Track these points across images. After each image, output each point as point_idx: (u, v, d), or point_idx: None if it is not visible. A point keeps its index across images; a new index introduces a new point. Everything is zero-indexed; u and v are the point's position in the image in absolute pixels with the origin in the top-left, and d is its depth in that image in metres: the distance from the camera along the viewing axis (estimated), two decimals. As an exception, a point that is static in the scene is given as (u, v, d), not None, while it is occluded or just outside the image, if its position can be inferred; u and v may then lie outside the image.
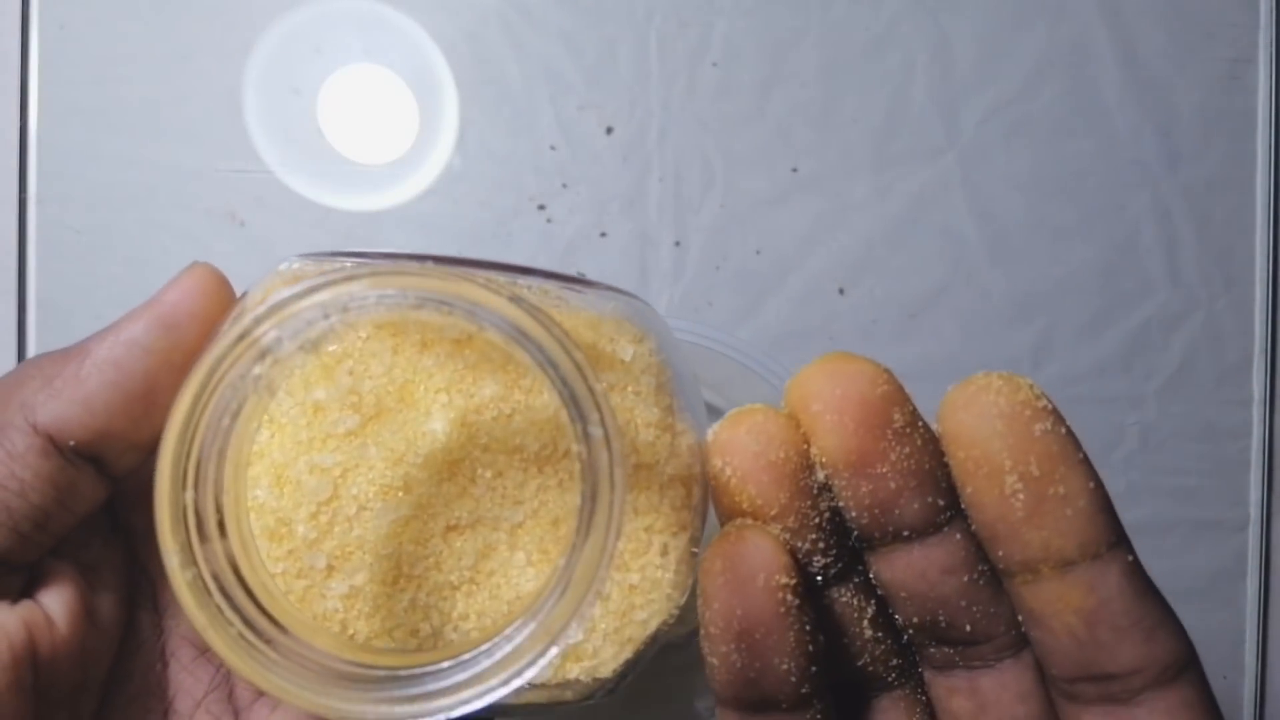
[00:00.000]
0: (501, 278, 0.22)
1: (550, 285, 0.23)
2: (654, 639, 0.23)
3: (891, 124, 0.49)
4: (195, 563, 0.19)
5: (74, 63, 0.47)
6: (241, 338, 0.19)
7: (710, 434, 0.24)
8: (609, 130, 0.48)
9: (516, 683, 0.19)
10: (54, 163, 0.47)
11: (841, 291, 0.49)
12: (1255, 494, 0.50)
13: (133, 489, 0.24)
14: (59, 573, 0.23)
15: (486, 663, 0.19)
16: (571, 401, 0.19)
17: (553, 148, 0.48)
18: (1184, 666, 0.22)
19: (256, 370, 0.19)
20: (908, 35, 0.49)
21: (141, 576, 0.25)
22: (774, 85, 0.49)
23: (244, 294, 0.24)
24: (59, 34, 0.47)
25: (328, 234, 0.47)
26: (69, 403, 0.22)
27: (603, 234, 0.48)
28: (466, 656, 0.20)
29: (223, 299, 0.24)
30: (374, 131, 0.48)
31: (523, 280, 0.22)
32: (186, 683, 0.25)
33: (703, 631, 0.22)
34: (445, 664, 0.19)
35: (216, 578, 0.19)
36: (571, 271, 0.48)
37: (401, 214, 0.48)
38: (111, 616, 0.24)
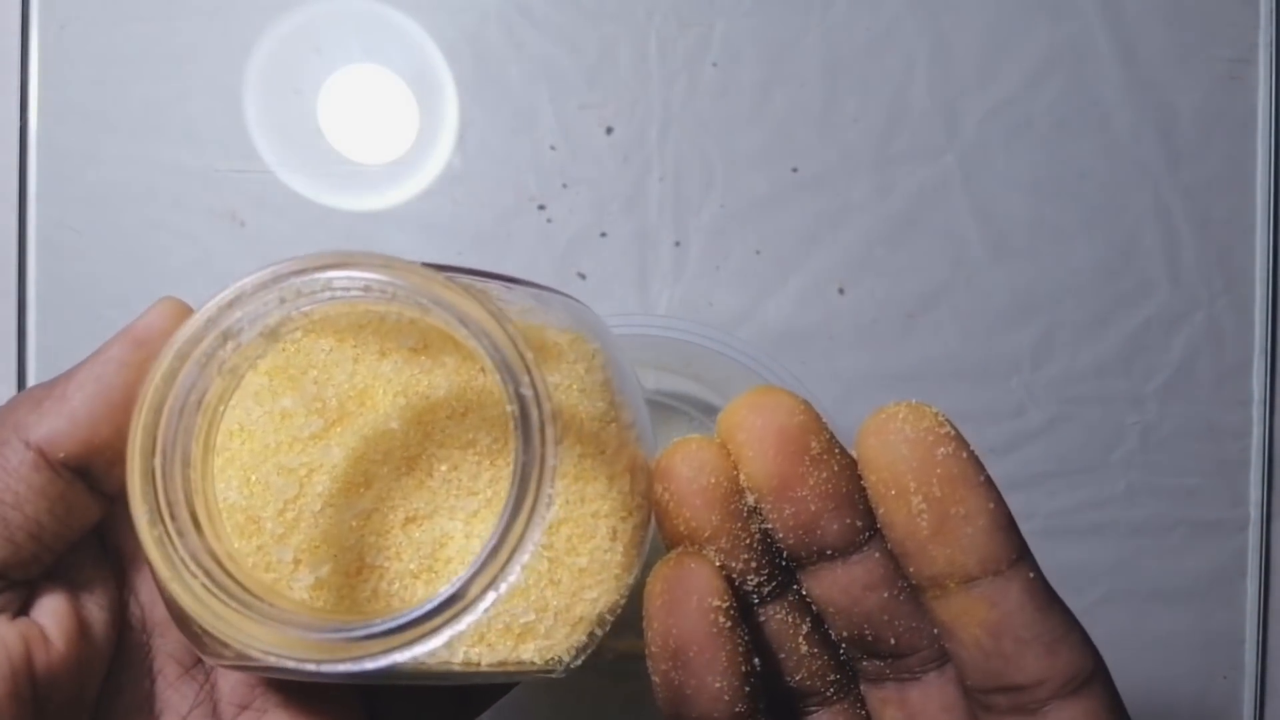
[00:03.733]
0: (406, 265, 0.23)
1: (491, 285, 0.24)
2: (604, 619, 0.24)
3: (891, 124, 0.49)
4: (162, 521, 0.20)
5: (74, 63, 0.47)
6: (207, 323, 0.21)
7: (653, 463, 0.25)
8: (609, 130, 0.48)
9: (463, 622, 0.20)
10: (54, 163, 0.47)
11: (841, 291, 0.49)
12: (1255, 494, 0.50)
13: (121, 512, 0.25)
14: (53, 592, 0.24)
15: (432, 610, 0.20)
16: (504, 366, 0.21)
17: (553, 148, 0.48)
18: (1089, 678, 0.23)
19: (221, 353, 0.21)
20: (908, 35, 0.49)
21: (131, 598, 0.26)
22: (774, 85, 0.49)
23: None
24: (59, 34, 0.47)
25: (328, 234, 0.47)
26: (55, 417, 0.24)
27: (603, 234, 0.48)
28: (424, 604, 0.21)
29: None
30: (374, 131, 0.48)
31: (463, 279, 0.23)
32: (173, 699, 0.26)
33: (647, 651, 0.24)
34: (400, 614, 0.20)
35: (188, 547, 0.20)
36: (572, 272, 0.48)
37: (401, 214, 0.48)
38: (103, 635, 0.25)
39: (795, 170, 0.49)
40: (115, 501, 0.25)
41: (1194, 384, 0.50)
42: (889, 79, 0.49)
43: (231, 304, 0.21)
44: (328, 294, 0.21)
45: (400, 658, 0.20)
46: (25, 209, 0.47)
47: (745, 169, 0.48)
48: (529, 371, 0.21)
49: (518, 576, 0.21)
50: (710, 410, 0.46)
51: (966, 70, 0.49)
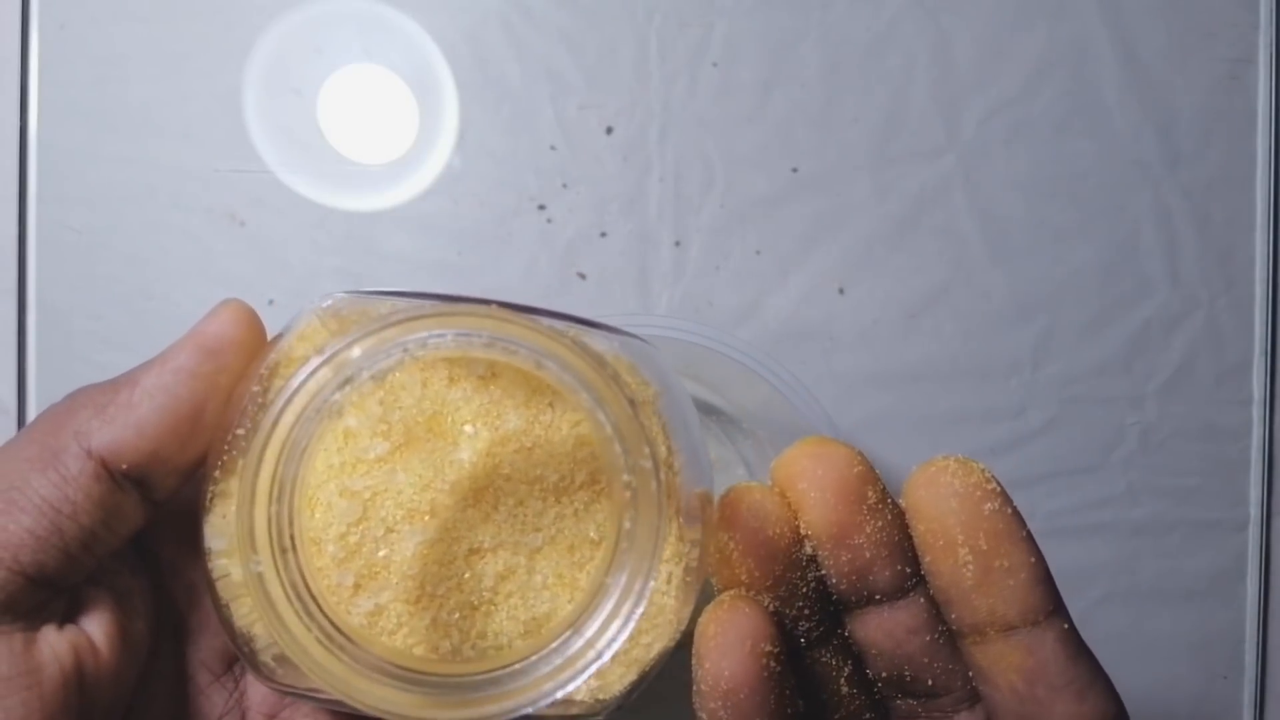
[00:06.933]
0: (526, 319, 0.23)
1: (571, 328, 0.24)
2: (657, 662, 0.24)
3: (891, 124, 0.49)
4: (280, 573, 0.20)
5: (74, 63, 0.47)
6: (328, 361, 0.20)
7: (714, 508, 0.26)
8: (609, 130, 0.48)
9: (565, 690, 0.20)
10: (54, 163, 0.47)
11: (841, 291, 0.49)
12: (1255, 494, 0.50)
13: (162, 519, 0.25)
14: (97, 599, 0.24)
15: (536, 673, 0.21)
16: (622, 437, 0.21)
17: (553, 148, 0.48)
18: None
19: (336, 396, 0.20)
20: (908, 35, 0.49)
21: (166, 604, 0.26)
22: (774, 85, 0.49)
23: (286, 327, 0.25)
24: (59, 34, 0.47)
25: (328, 234, 0.47)
26: (122, 427, 0.23)
27: (603, 234, 0.48)
28: (518, 666, 0.21)
29: (257, 329, 0.25)
30: (374, 131, 0.48)
31: (546, 321, 0.23)
32: (204, 706, 0.26)
33: (695, 688, 0.24)
34: (499, 672, 0.21)
35: (295, 587, 0.20)
36: (572, 272, 0.48)
37: (401, 214, 0.48)
38: (141, 641, 0.25)
39: (795, 170, 0.49)
40: (160, 509, 0.25)
41: (1194, 384, 0.50)
42: (889, 79, 0.49)
43: (352, 347, 0.20)
44: (451, 343, 0.21)
45: (511, 715, 0.20)
46: (25, 209, 0.47)
47: (745, 169, 0.48)
48: (649, 444, 0.21)
49: (622, 644, 0.21)
50: (710, 411, 0.46)
51: (966, 70, 0.49)
